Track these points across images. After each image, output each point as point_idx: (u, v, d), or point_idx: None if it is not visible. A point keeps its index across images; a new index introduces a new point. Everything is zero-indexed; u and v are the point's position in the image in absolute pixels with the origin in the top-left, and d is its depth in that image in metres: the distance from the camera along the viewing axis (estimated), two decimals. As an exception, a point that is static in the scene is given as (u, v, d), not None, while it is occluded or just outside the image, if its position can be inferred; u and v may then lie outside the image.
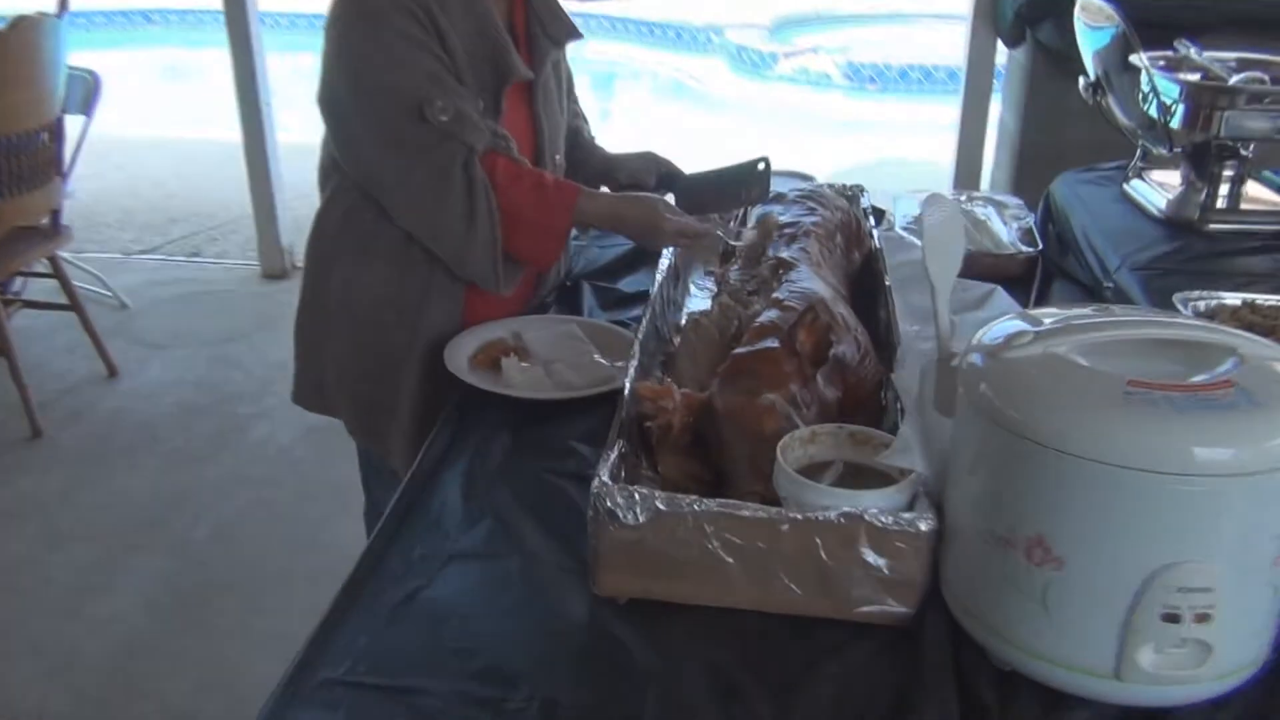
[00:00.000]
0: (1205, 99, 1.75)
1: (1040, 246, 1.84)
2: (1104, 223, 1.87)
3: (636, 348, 1.32)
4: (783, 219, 1.56)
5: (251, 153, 4.17)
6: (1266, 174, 1.94)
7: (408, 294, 1.58)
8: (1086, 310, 1.00)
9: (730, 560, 0.99)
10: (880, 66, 8.03)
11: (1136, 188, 1.98)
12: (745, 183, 1.69)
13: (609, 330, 1.60)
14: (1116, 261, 1.67)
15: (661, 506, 0.99)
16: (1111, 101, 1.90)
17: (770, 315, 1.23)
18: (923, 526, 0.96)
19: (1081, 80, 1.98)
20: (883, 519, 0.96)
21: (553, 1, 1.61)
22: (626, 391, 1.21)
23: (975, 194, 2.10)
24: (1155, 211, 1.87)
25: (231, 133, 4.20)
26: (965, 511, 0.95)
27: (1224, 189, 1.85)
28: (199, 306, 4.14)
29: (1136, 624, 0.85)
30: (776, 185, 1.97)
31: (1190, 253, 1.72)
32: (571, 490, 1.23)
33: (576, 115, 1.84)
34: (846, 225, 1.64)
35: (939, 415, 1.05)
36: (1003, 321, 1.00)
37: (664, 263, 1.64)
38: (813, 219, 1.55)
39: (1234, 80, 1.83)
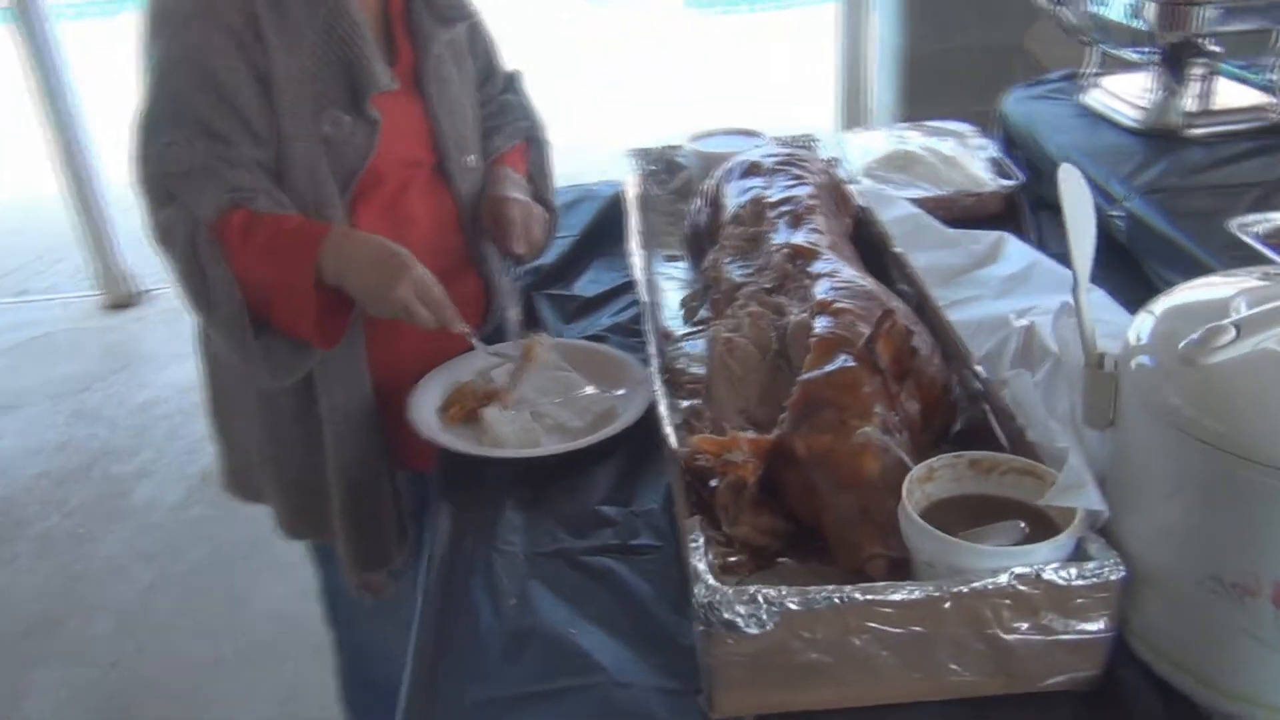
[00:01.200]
0: (1179, -5, 1.61)
1: (1021, 178, 1.69)
2: (1079, 141, 1.73)
3: (658, 385, 1.10)
4: (772, 196, 1.35)
5: (68, 161, 3.68)
6: (1224, 67, 1.83)
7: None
8: (1252, 280, 0.83)
9: (883, 653, 0.80)
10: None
11: (1098, 98, 1.84)
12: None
13: (589, 350, 1.37)
14: (1120, 187, 1.53)
15: (793, 606, 0.79)
16: (1077, 5, 1.75)
17: (826, 324, 1.03)
18: (1112, 576, 0.79)
19: (1038, -11, 1.82)
20: (1064, 574, 0.78)
21: None
22: (672, 442, 1.00)
23: (927, 123, 1.93)
24: (1130, 123, 1.74)
25: (39, 140, 3.71)
26: (1166, 551, 0.78)
27: (1194, 90, 1.74)
28: (41, 354, 3.67)
29: None
30: (721, 144, 1.77)
31: (1187, 165, 1.59)
32: (621, 572, 1.01)
33: (504, 110, 1.50)
34: (833, 188, 1.44)
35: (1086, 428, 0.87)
36: (1161, 312, 0.83)
37: (636, 262, 1.42)
38: (806, 189, 1.35)
39: (1196, -30, 1.70)
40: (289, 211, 1.22)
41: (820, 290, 1.10)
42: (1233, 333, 0.73)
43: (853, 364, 0.97)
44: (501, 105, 1.49)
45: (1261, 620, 0.72)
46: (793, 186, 1.36)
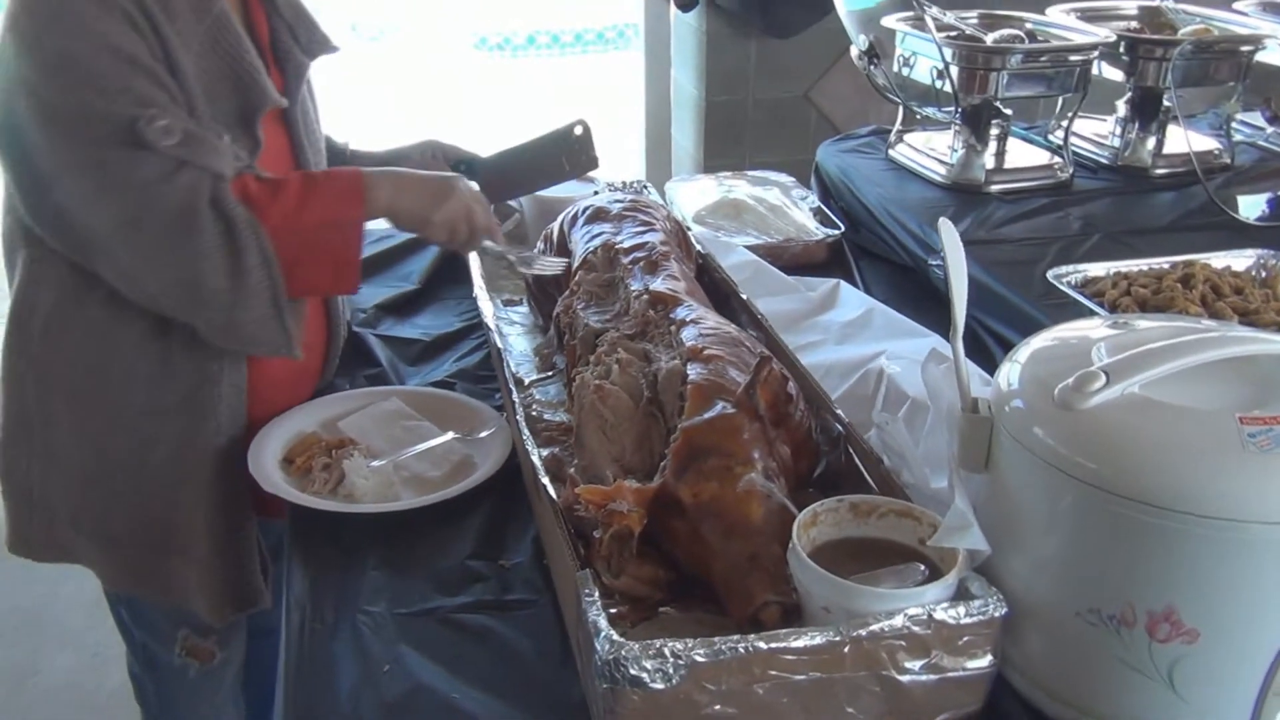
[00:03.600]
0: (980, 60, 1.74)
1: (843, 228, 1.77)
2: (892, 194, 1.82)
3: (527, 435, 1.07)
4: (623, 242, 1.35)
5: None
6: (1014, 129, 1.99)
7: (170, 392, 1.22)
8: (1104, 329, 0.89)
9: (784, 700, 0.80)
10: (509, 34, 7.85)
11: (904, 154, 1.96)
12: (563, 151, 1.48)
13: (438, 398, 1.32)
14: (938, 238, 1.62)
15: (700, 658, 0.78)
16: (887, 67, 1.86)
17: (699, 371, 1.03)
18: (996, 613, 0.82)
19: (854, 49, 1.92)
20: (952, 614, 0.81)
21: (300, 6, 1.29)
22: (551, 493, 0.97)
23: (751, 173, 1.99)
24: (938, 178, 1.85)
25: None
26: (1045, 586, 0.82)
27: (992, 148, 1.87)
28: None
29: (1278, 685, 0.76)
30: (556, 189, 1.76)
31: (992, 219, 1.71)
32: (498, 630, 0.98)
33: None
34: (679, 234, 1.46)
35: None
36: (1026, 359, 0.87)
37: (485, 307, 1.38)
38: (657, 236, 1.36)
39: (991, 39, 1.84)
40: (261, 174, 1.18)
41: (688, 337, 1.10)
42: (1103, 378, 0.78)
43: (733, 410, 0.98)
44: None
45: (1137, 649, 0.77)
46: (643, 233, 1.37)
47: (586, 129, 1.49)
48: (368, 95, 6.50)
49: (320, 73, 1.39)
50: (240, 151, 1.17)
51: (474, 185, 1.27)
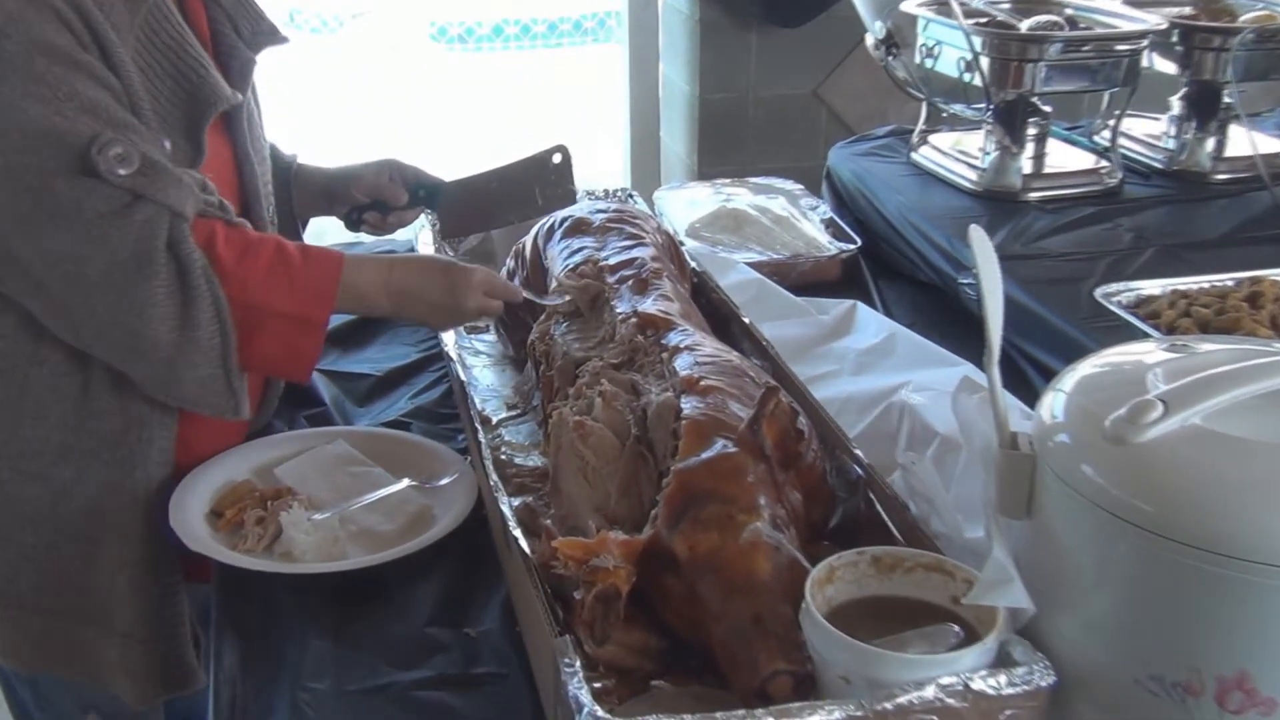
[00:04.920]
0: (1014, 50, 1.77)
1: (860, 242, 1.78)
2: (916, 202, 1.85)
3: (494, 480, 1.08)
4: (609, 258, 1.36)
5: None
6: (1056, 129, 2.01)
7: (90, 434, 1.22)
8: (1160, 353, 0.90)
9: (797, 787, 0.80)
10: (471, 24, 7.93)
11: (929, 156, 1.98)
12: (538, 181, 1.49)
13: (392, 440, 1.33)
14: (969, 251, 1.64)
15: (697, 739, 0.78)
16: (909, 59, 1.89)
17: (695, 405, 1.04)
18: (1042, 683, 0.82)
19: (869, 38, 1.94)
20: (992, 683, 0.81)
21: None
22: (524, 546, 0.97)
23: (753, 180, 2.01)
24: (967, 184, 1.88)
25: None
26: (1098, 650, 0.83)
27: (1029, 151, 1.90)
28: None
29: (1368, 763, 0.76)
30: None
31: (1031, 231, 1.73)
32: (461, 709, 0.99)
33: None
34: (671, 250, 1.47)
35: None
36: (1072, 387, 0.88)
37: (446, 335, 1.39)
38: (647, 251, 1.37)
39: (1026, 26, 1.87)
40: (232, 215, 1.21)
41: (682, 366, 1.11)
42: (1160, 408, 0.79)
43: (734, 449, 0.98)
44: None
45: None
46: (631, 247, 1.38)
47: (566, 157, 1.50)
48: (309, 95, 6.54)
49: (258, 70, 1.41)
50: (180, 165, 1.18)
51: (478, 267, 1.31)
